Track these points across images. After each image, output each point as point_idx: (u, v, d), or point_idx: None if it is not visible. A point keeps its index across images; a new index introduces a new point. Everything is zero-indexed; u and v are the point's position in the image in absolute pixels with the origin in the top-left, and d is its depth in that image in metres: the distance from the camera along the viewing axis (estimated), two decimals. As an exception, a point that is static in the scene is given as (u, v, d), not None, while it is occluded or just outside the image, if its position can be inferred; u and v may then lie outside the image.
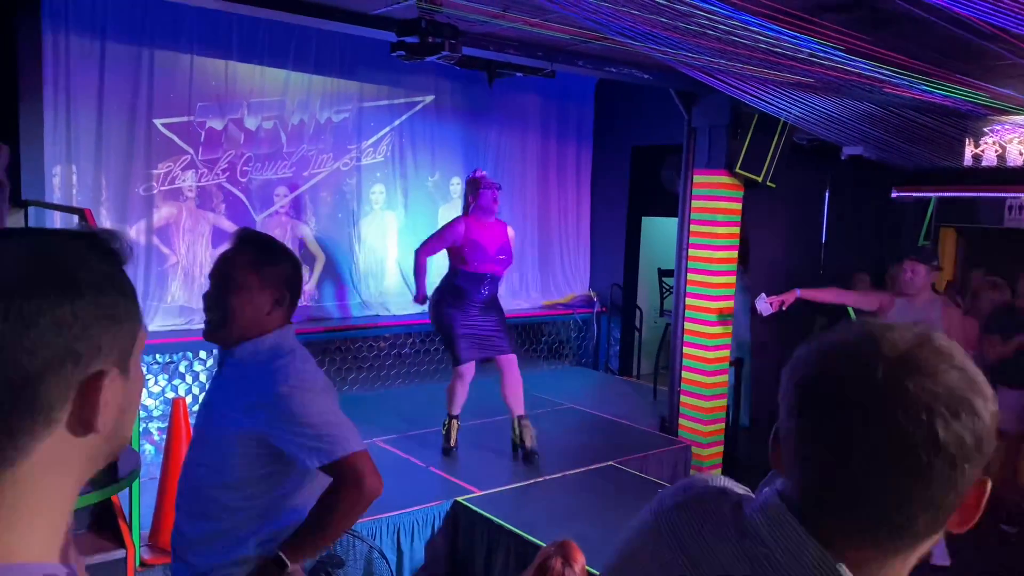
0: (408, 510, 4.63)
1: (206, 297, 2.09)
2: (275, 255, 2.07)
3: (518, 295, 8.45)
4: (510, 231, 5.64)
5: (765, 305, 5.49)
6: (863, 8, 3.14)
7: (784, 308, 5.44)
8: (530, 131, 8.35)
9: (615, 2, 2.97)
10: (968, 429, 0.85)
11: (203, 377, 6.38)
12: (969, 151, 6.16)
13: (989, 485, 0.89)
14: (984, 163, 6.20)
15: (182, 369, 6.30)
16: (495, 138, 8.10)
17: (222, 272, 2.06)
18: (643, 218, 8.72)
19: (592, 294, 8.80)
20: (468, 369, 5.51)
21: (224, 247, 2.12)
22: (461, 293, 5.43)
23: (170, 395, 6.11)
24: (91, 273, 0.76)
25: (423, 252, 5.56)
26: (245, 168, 6.69)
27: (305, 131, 7.00)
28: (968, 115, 5.20)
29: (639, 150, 8.54)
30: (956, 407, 0.85)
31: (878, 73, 3.68)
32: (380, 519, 4.49)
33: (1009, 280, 5.81)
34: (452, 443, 5.64)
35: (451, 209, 7.96)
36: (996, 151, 6.18)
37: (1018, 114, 5.26)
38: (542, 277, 8.63)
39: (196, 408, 6.29)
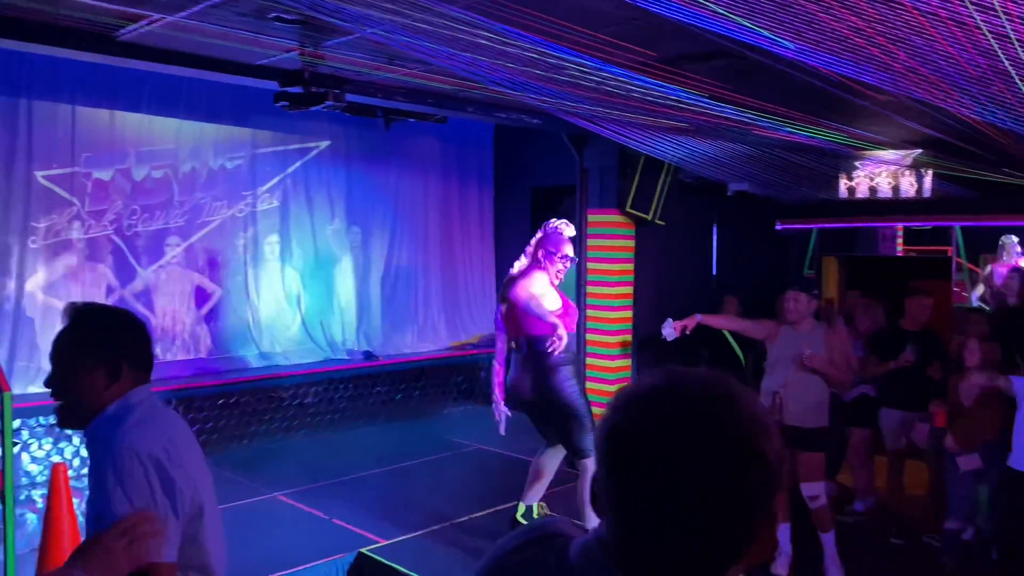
0: (310, 565, 4.51)
1: (46, 382, 1.98)
2: (101, 329, 1.98)
3: (425, 337, 8.45)
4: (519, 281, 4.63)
5: (670, 331, 5.57)
6: (720, 58, 3.32)
7: (688, 332, 5.54)
8: (431, 175, 8.42)
9: (490, 56, 3.07)
10: (755, 471, 0.92)
11: (92, 438, 6.09)
12: (844, 185, 6.55)
13: (779, 521, 0.96)
14: (858, 195, 6.59)
15: (69, 431, 6.00)
16: (395, 183, 8.13)
17: (53, 353, 1.98)
18: (545, 256, 8.87)
19: (499, 333, 8.85)
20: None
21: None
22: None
23: (56, 459, 5.80)
24: None
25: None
26: (131, 220, 6.49)
27: (197, 179, 6.87)
28: (835, 153, 5.54)
29: (539, 191, 8.72)
30: (744, 452, 0.92)
31: (744, 117, 3.90)
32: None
33: (887, 303, 6.15)
34: None
35: (350, 260, 7.89)
36: (868, 184, 6.59)
37: (877, 151, 5.63)
38: (448, 318, 8.65)
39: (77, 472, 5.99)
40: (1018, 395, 4.59)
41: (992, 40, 2.63)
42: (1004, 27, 2.48)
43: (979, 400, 4.87)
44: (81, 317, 2.02)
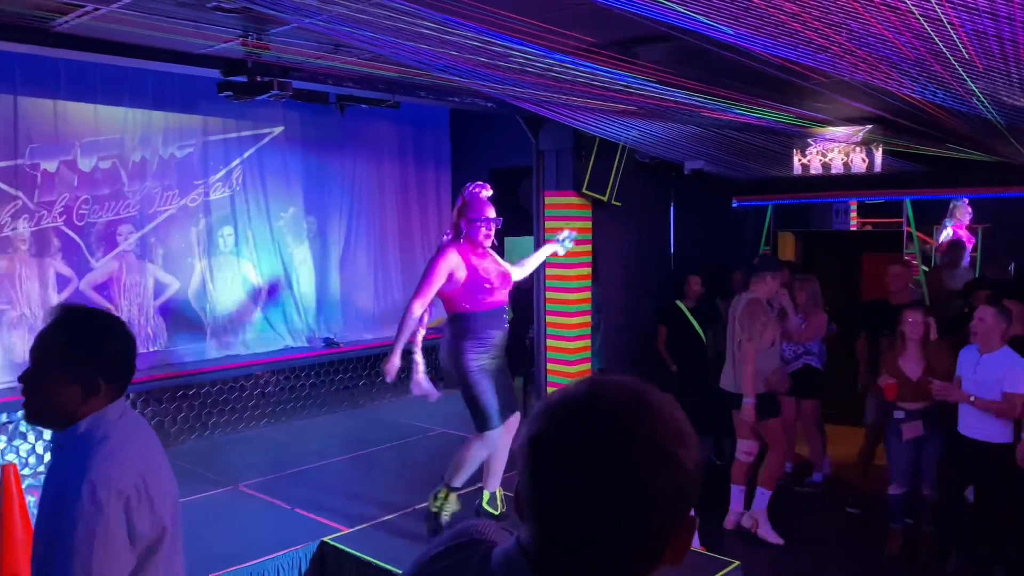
0: (271, 556, 4.50)
1: (21, 377, 1.91)
2: (88, 344, 1.88)
3: (390, 322, 8.40)
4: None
5: (569, 233, 5.35)
6: (671, 40, 3.33)
7: None
8: (386, 159, 8.35)
9: (433, 44, 3.05)
10: (673, 478, 0.93)
11: (47, 435, 6.00)
12: (797, 161, 6.63)
13: (697, 522, 0.98)
14: (812, 172, 6.68)
15: (23, 429, 5.90)
16: (351, 167, 8.05)
17: (33, 355, 1.88)
18: (506, 238, 8.87)
19: (461, 316, 8.85)
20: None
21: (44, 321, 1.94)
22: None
23: (11, 457, 5.71)
24: None
25: (414, 300, 4.37)
26: (82, 210, 6.37)
27: (148, 168, 6.74)
28: (785, 132, 5.60)
29: (496, 172, 8.67)
30: (662, 460, 0.93)
31: (693, 100, 3.92)
32: (241, 569, 4.34)
33: (842, 277, 6.25)
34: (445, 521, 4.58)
35: (307, 247, 7.81)
36: (820, 161, 6.67)
37: (827, 129, 5.70)
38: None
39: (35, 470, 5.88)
40: (959, 366, 4.73)
41: (925, 24, 2.68)
42: (935, 11, 2.52)
43: (925, 372, 5.02)
44: (70, 322, 1.91)
